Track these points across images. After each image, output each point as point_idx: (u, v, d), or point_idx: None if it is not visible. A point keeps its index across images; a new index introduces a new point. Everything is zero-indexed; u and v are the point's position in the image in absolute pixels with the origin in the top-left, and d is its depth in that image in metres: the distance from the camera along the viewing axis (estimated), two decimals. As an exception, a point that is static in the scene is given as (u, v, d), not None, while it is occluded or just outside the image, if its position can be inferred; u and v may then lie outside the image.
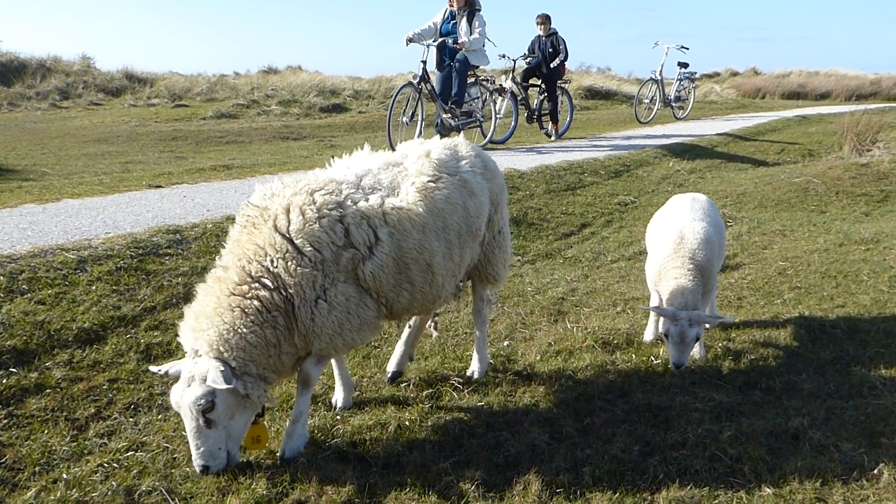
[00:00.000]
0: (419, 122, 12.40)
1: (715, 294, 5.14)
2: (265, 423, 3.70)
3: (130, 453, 3.67)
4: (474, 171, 4.17)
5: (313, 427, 3.92)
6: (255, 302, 3.34)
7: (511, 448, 3.70)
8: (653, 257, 4.88)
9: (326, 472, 3.49)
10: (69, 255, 5.44)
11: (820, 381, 4.38)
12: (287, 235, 3.42)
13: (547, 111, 15.32)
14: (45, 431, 3.81)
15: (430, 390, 4.35)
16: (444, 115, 12.67)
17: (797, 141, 16.46)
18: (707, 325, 4.92)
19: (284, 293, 3.40)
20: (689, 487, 3.37)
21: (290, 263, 3.38)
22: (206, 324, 3.34)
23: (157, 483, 3.39)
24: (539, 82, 15.12)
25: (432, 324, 4.89)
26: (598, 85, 28.16)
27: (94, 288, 5.15)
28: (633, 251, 7.78)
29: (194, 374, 3.26)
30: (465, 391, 4.36)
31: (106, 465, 3.55)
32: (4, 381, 4.12)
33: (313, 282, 3.41)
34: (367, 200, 3.62)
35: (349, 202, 3.57)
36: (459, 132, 13.07)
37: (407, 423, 3.96)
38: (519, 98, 14.77)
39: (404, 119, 12.00)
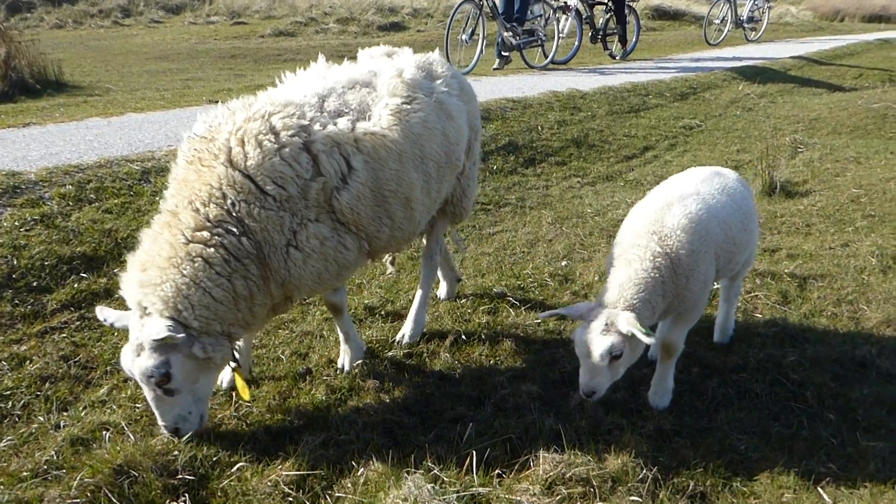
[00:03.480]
0: (480, 41, 12.09)
1: (730, 313, 3.92)
2: (244, 376, 3.37)
3: (195, 357, 3.79)
4: (450, 91, 3.71)
5: (371, 338, 3.98)
6: (221, 250, 2.90)
7: (567, 365, 3.69)
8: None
9: (383, 382, 3.55)
10: (134, 166, 5.54)
11: (890, 310, 4.22)
12: (246, 173, 2.94)
13: (612, 31, 14.76)
14: (115, 334, 3.95)
15: (487, 306, 4.36)
16: (505, 34, 12.34)
17: (877, 66, 15.55)
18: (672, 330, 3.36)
19: (254, 238, 2.98)
20: (749, 410, 3.33)
21: (252, 207, 2.93)
22: (157, 276, 2.86)
23: (221, 385, 3.50)
24: (606, 0, 14.53)
25: (390, 258, 4.57)
26: (665, 5, 26.89)
27: (157, 199, 5.22)
28: (698, 175, 7.54)
29: (142, 340, 2.82)
30: (522, 308, 4.34)
31: (172, 366, 3.67)
32: (76, 285, 4.27)
33: (281, 225, 2.98)
34: (335, 125, 3.14)
35: (317, 126, 3.09)
36: (520, 51, 12.75)
37: (463, 337, 3.98)
38: (584, 17, 14.25)
39: (464, 37, 11.71)
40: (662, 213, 3.19)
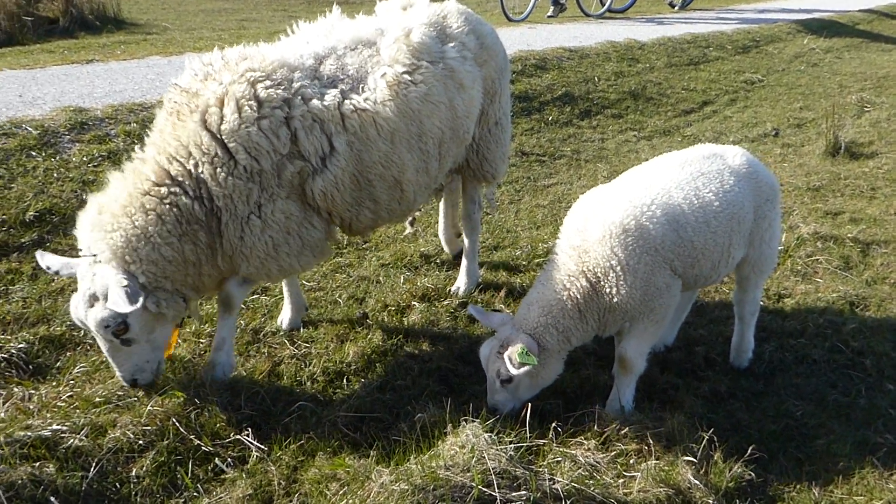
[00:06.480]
0: (536, -13, 11.85)
1: (746, 333, 3.31)
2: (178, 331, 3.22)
3: (256, 296, 3.89)
4: (464, 55, 3.32)
5: (427, 287, 4.00)
6: (174, 209, 2.75)
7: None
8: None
9: (440, 328, 3.60)
10: (194, 106, 5.60)
11: (957, 280, 4.12)
12: (218, 136, 2.77)
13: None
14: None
15: (541, 259, 4.34)
16: (563, -21, 12.04)
17: (953, 21, 14.84)
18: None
19: (208, 205, 2.80)
20: (805, 376, 3.30)
21: (219, 171, 2.75)
22: (110, 223, 2.72)
23: (282, 326, 3.59)
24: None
25: (410, 218, 4.33)
26: (729, -49, 25.89)
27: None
28: (758, 133, 7.36)
29: (95, 289, 2.67)
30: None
31: (235, 306, 3.78)
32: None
33: (247, 196, 2.81)
34: (321, 99, 2.89)
35: (299, 99, 2.85)
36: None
37: (518, 289, 4.00)
38: (644, -37, 13.81)
39: (520, -18, 11.48)
40: (586, 222, 2.80)
